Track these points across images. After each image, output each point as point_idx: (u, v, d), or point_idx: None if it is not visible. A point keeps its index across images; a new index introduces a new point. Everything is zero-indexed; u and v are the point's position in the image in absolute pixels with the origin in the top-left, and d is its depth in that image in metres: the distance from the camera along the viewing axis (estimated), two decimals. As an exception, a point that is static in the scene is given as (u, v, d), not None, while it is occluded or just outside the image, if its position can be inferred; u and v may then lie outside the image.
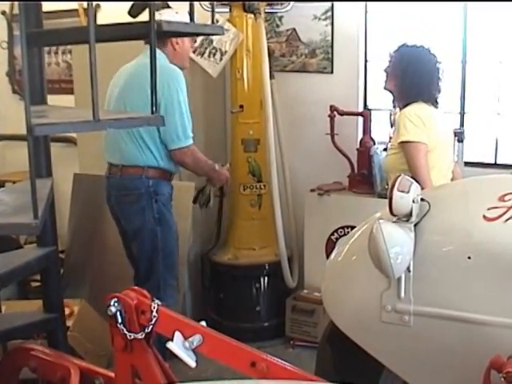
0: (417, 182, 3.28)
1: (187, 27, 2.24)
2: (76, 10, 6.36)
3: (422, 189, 3.45)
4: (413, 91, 3.84)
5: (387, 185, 4.04)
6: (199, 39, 4.76)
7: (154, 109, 2.03)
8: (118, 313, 2.29)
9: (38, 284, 4.84)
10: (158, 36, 2.15)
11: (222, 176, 4.21)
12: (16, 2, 6.49)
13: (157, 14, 3.81)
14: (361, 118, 5.07)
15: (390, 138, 4.27)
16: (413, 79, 3.82)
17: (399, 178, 2.27)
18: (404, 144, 3.69)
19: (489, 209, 2.28)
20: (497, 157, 5.10)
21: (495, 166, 5.07)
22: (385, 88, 4.08)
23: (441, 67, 3.96)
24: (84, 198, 5.38)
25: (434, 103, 3.90)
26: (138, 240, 3.96)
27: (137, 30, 2.27)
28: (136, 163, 3.88)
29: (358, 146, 5.01)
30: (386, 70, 4.05)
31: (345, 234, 4.83)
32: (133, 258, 4.12)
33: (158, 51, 3.77)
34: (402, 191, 2.21)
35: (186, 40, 3.99)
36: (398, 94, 3.98)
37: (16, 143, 6.42)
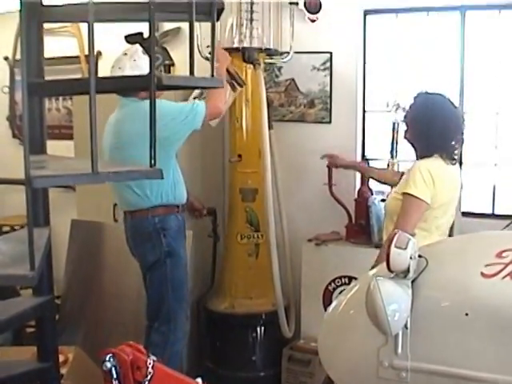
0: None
1: (187, 81, 2.26)
2: (77, 57, 6.43)
3: None
4: (432, 144, 3.66)
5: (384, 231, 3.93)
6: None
7: (153, 162, 2.03)
8: (113, 368, 2.26)
9: (32, 330, 4.80)
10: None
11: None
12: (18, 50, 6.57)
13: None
14: (359, 169, 5.09)
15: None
16: (436, 131, 3.64)
17: (397, 235, 2.27)
18: (406, 195, 3.59)
19: (486, 265, 2.27)
20: (494, 207, 5.11)
21: (493, 216, 5.09)
22: (405, 137, 3.91)
23: (463, 118, 3.80)
24: (81, 245, 5.38)
25: (452, 159, 3.69)
26: (150, 273, 4.09)
27: (137, 83, 2.29)
28: (140, 207, 4.02)
29: (356, 197, 5.03)
30: (405, 119, 3.88)
31: (342, 284, 4.83)
32: (147, 295, 4.20)
33: (135, 100, 3.90)
34: (400, 247, 2.21)
35: None
36: (418, 145, 3.78)
37: (15, 187, 6.41)
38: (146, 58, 3.83)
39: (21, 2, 2.29)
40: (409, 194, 3.56)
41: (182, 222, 4.15)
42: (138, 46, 4.00)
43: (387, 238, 3.23)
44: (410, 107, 3.84)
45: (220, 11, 2.54)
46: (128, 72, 3.76)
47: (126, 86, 2.42)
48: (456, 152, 3.74)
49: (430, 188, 3.54)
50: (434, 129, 3.64)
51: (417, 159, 3.77)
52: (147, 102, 3.60)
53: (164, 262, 4.00)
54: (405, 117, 3.89)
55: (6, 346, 4.98)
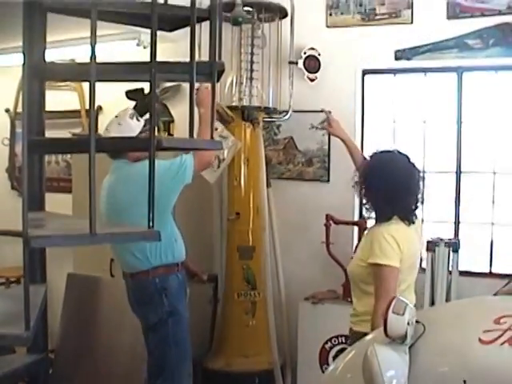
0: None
1: (186, 143, 2.27)
2: (78, 111, 6.48)
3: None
4: (390, 206, 3.48)
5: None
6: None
7: (152, 224, 2.03)
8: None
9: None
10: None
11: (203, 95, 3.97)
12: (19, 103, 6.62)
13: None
14: (356, 228, 5.10)
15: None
16: (385, 193, 3.45)
17: (394, 300, 2.26)
18: (377, 266, 3.39)
19: (484, 331, 2.25)
20: (492, 266, 5.11)
21: (490, 275, 5.08)
22: (360, 201, 3.76)
23: (421, 176, 3.60)
24: (77, 299, 5.33)
25: (411, 221, 3.52)
26: (152, 333, 4.03)
27: (136, 145, 2.31)
28: (140, 269, 3.98)
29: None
30: (357, 182, 3.65)
31: (339, 344, 4.79)
32: (149, 354, 4.13)
33: (127, 163, 3.90)
34: (397, 313, 2.19)
35: None
36: (376, 207, 3.57)
37: (12, 238, 6.39)
38: (133, 123, 3.83)
39: (24, 60, 2.32)
40: (379, 265, 3.38)
41: (183, 280, 4.09)
42: (128, 109, 4.01)
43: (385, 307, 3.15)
44: (364, 168, 3.65)
45: (220, 72, 2.58)
46: (113, 134, 3.78)
47: (125, 147, 2.43)
48: (415, 212, 3.57)
49: (397, 252, 3.39)
50: (389, 190, 3.45)
51: (376, 221, 3.59)
52: (138, 164, 3.67)
53: (166, 321, 3.95)
54: (359, 178, 3.65)
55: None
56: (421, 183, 3.60)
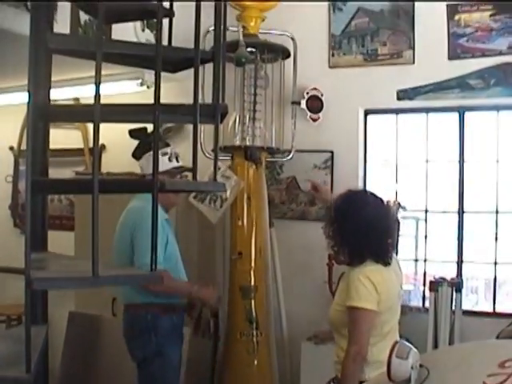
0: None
1: (190, 185, 2.28)
2: (81, 150, 6.50)
3: (357, 354, 3.25)
4: (358, 250, 3.38)
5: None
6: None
7: (154, 266, 2.03)
8: None
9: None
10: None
11: (207, 295, 4.05)
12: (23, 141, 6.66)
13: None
14: (358, 267, 5.07)
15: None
16: (356, 235, 3.34)
17: (397, 344, 2.23)
18: (351, 309, 3.31)
19: (489, 375, 2.23)
20: (495, 305, 5.09)
21: (494, 314, 5.05)
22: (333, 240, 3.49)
23: (394, 218, 3.59)
24: (78, 337, 5.31)
25: (386, 262, 3.39)
26: (139, 370, 3.98)
27: (140, 186, 2.32)
28: (135, 302, 3.93)
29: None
30: (325, 224, 3.51)
31: (341, 385, 4.74)
32: None
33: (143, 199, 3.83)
34: (401, 357, 2.17)
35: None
36: (347, 250, 3.44)
37: (13, 276, 6.38)
38: (164, 161, 3.98)
39: (29, 101, 2.33)
40: (354, 307, 3.31)
41: (178, 324, 4.00)
42: (168, 148, 4.09)
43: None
44: (334, 210, 3.50)
45: (223, 115, 2.59)
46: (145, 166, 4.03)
47: (129, 188, 2.44)
48: (389, 253, 3.44)
49: (373, 295, 3.31)
50: (358, 231, 3.34)
51: (349, 265, 3.46)
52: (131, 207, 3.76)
53: (152, 360, 3.88)
54: (328, 220, 3.52)
55: None
56: (393, 223, 3.55)
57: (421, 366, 2.27)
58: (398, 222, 3.68)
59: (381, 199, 3.51)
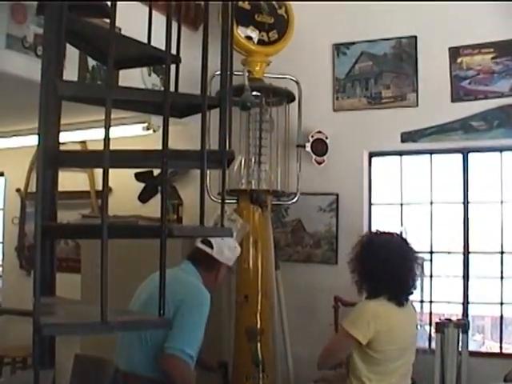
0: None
1: (196, 231, 2.31)
2: (88, 192, 6.55)
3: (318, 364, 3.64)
4: (375, 286, 3.59)
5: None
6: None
7: (162, 312, 2.04)
8: None
9: None
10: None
11: None
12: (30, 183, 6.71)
13: None
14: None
15: None
16: (376, 273, 3.55)
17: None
18: (342, 328, 3.58)
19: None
20: (502, 345, 5.07)
21: (501, 355, 5.03)
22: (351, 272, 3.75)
23: (418, 259, 3.69)
24: (83, 380, 5.28)
25: (400, 302, 3.58)
26: None
27: (148, 232, 2.34)
28: (142, 374, 3.51)
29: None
30: (350, 259, 3.76)
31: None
32: None
33: (194, 269, 3.73)
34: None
35: (225, 272, 3.95)
36: (364, 286, 3.69)
37: (19, 317, 6.37)
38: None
39: (39, 147, 2.37)
40: (343, 328, 3.55)
41: None
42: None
43: None
44: (358, 247, 3.73)
45: (230, 160, 2.63)
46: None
47: (137, 234, 2.46)
48: (407, 294, 3.64)
49: (366, 329, 3.45)
50: (376, 270, 3.55)
51: (366, 298, 3.70)
52: (202, 289, 3.61)
53: None
54: (351, 257, 3.76)
55: None
56: (416, 266, 3.66)
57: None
58: (422, 265, 3.75)
59: (407, 242, 3.71)
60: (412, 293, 3.68)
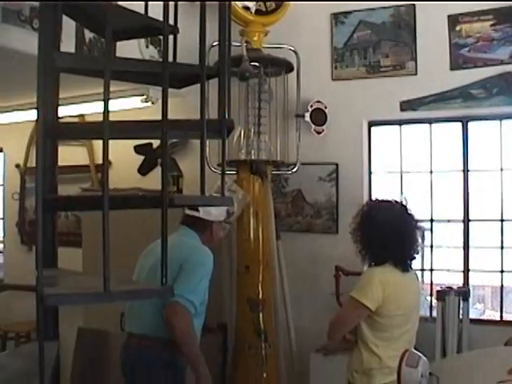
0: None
1: (197, 200, 2.30)
2: (87, 166, 6.54)
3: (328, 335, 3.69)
4: (380, 253, 3.62)
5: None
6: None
7: (165, 280, 2.05)
8: None
9: None
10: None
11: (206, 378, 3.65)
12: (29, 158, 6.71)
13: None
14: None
15: None
16: (380, 240, 3.59)
17: (407, 353, 2.26)
18: (351, 297, 3.58)
19: (498, 382, 2.25)
20: (502, 313, 5.09)
21: (501, 322, 5.06)
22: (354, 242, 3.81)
23: (418, 226, 3.73)
24: (87, 352, 5.32)
25: (405, 268, 3.64)
26: None
27: (149, 202, 2.34)
28: (157, 336, 3.64)
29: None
30: (354, 229, 3.78)
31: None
32: None
33: (192, 231, 3.87)
34: (411, 366, 2.20)
35: (221, 231, 4.09)
36: (367, 253, 3.73)
37: (21, 292, 6.41)
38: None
39: (38, 119, 2.36)
40: (352, 297, 3.57)
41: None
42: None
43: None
44: (361, 216, 3.77)
45: (230, 129, 2.62)
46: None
47: (138, 204, 2.46)
48: (409, 260, 3.69)
49: (375, 295, 3.50)
50: (383, 237, 3.59)
51: (369, 266, 3.78)
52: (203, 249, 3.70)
53: None
54: (356, 225, 3.78)
55: None
56: (417, 233, 3.71)
57: (430, 374, 2.29)
58: (423, 232, 3.79)
59: (407, 210, 3.72)
60: (415, 258, 3.72)
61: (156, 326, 3.63)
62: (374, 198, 3.86)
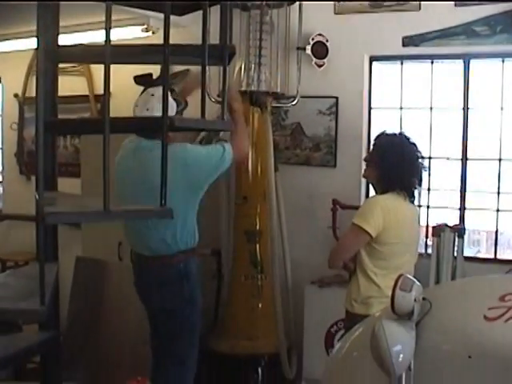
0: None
1: (198, 123, 2.31)
2: (87, 96, 6.51)
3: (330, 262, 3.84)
4: (386, 181, 3.81)
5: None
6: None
7: (163, 201, 2.07)
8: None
9: (33, 366, 4.79)
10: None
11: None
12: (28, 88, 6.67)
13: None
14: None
15: None
16: (387, 169, 3.78)
17: (401, 278, 2.30)
18: (353, 224, 3.73)
19: (489, 308, 2.29)
20: (496, 252, 5.14)
21: (495, 261, 5.12)
22: (364, 176, 4.18)
23: (421, 159, 3.91)
24: (85, 282, 5.40)
25: (408, 196, 3.83)
26: (167, 320, 3.87)
27: (149, 125, 2.35)
28: (165, 254, 3.82)
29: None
30: (365, 159, 4.09)
31: (345, 327, 4.83)
32: (157, 335, 4.00)
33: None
34: (404, 290, 2.24)
35: None
36: (375, 183, 3.97)
37: (20, 223, 6.45)
38: (172, 102, 3.73)
39: (38, 43, 2.35)
40: (354, 224, 3.71)
41: (199, 267, 3.97)
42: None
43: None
44: (375, 147, 3.99)
45: (231, 55, 2.61)
46: (157, 114, 3.54)
47: (138, 128, 2.47)
48: (414, 189, 3.86)
49: (376, 222, 3.65)
50: (389, 166, 3.77)
51: (376, 193, 3.95)
52: (175, 146, 3.53)
53: (183, 310, 3.82)
54: (366, 157, 4.08)
55: (7, 381, 4.97)
56: (417, 163, 3.87)
57: (423, 299, 2.34)
58: (423, 165, 3.95)
59: (409, 140, 3.90)
60: (417, 188, 3.90)
61: (161, 247, 3.80)
62: (383, 131, 4.00)
